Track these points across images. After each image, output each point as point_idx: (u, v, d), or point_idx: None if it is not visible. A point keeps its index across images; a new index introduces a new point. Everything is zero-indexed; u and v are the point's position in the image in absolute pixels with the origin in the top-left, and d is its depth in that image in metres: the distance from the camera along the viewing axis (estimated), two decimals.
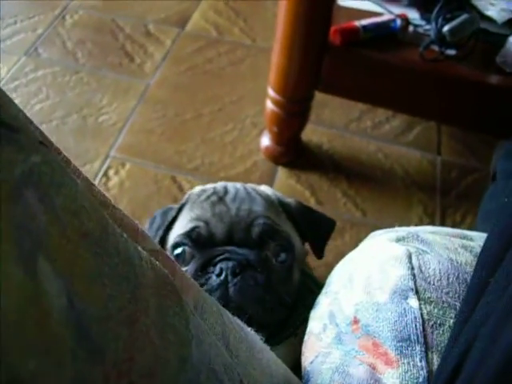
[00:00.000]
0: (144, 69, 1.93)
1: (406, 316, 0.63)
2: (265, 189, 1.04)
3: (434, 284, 0.66)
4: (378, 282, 0.69)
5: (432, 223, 1.57)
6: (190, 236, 0.91)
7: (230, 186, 1.01)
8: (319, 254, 1.01)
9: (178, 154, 1.69)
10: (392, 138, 1.78)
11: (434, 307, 0.64)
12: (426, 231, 0.77)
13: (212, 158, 1.69)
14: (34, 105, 1.77)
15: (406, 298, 0.65)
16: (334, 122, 1.82)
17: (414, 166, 1.71)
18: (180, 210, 1.00)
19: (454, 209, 1.61)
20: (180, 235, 0.93)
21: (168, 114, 1.80)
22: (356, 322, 0.68)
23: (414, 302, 0.64)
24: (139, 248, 0.42)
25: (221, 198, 0.95)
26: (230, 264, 0.85)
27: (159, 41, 2.03)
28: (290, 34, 1.34)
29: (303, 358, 0.75)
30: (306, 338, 0.78)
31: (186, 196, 1.02)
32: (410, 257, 0.69)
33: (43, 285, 0.30)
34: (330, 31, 1.36)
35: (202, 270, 0.88)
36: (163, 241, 0.99)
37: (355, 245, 1.51)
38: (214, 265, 0.87)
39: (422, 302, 0.64)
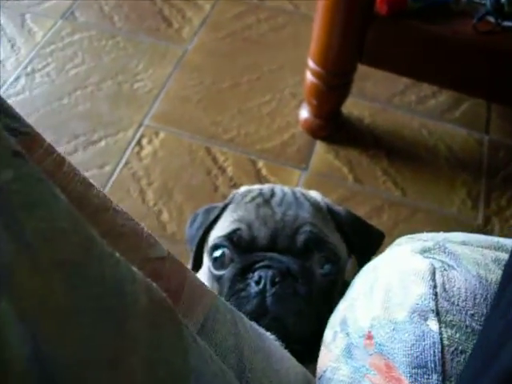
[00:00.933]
0: (182, 34, 1.89)
1: (424, 340, 0.58)
2: (315, 195, 0.98)
3: (457, 305, 0.60)
4: (397, 298, 0.63)
5: (475, 207, 1.51)
6: (231, 238, 0.87)
7: (278, 188, 0.96)
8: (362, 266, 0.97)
9: (213, 124, 1.66)
10: (437, 113, 1.71)
11: (455, 331, 0.58)
12: (456, 241, 0.70)
13: (248, 129, 1.66)
14: (69, 70, 1.75)
15: (426, 319, 0.60)
16: (376, 96, 1.75)
17: (459, 145, 1.64)
18: (223, 209, 0.95)
19: (499, 192, 1.54)
20: (220, 237, 0.89)
21: (205, 81, 1.76)
22: (370, 337, 0.63)
23: (433, 324, 0.59)
24: (134, 269, 0.37)
25: (267, 200, 0.91)
26: (270, 273, 0.81)
27: (198, 5, 1.98)
28: (333, 2, 1.28)
29: (317, 370, 0.72)
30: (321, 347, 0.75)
31: (231, 195, 0.99)
32: (433, 273, 0.63)
33: (2, 333, 0.26)
34: (376, 0, 1.29)
35: (241, 276, 0.84)
36: (203, 241, 0.96)
37: (393, 225, 1.49)
38: (254, 271, 0.83)
39: (443, 325, 0.59)
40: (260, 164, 1.58)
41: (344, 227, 0.93)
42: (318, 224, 0.88)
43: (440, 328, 0.58)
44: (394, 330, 0.61)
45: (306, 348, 0.90)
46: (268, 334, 0.67)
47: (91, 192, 0.43)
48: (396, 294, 0.63)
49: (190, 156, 1.59)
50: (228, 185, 1.54)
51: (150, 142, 1.61)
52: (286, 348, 0.86)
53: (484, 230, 1.47)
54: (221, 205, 0.97)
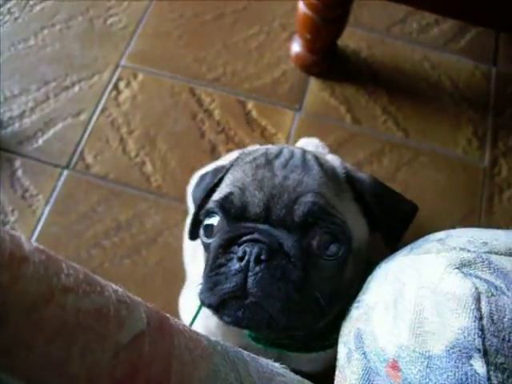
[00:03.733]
0: None
1: None
2: (332, 159, 0.85)
3: (510, 341, 0.50)
4: (432, 326, 0.54)
5: (482, 147, 1.45)
6: (222, 204, 0.78)
7: (287, 149, 0.84)
8: (392, 246, 0.82)
9: (197, 62, 1.56)
10: (441, 44, 1.62)
11: (508, 376, 0.49)
12: (502, 250, 0.59)
13: (235, 66, 1.57)
14: (34, 5, 1.62)
15: (470, 358, 0.50)
16: (374, 25, 1.65)
17: (464, 79, 1.56)
18: (228, 170, 0.86)
19: (507, 130, 1.48)
20: (212, 202, 0.80)
21: (186, 13, 1.65)
22: (395, 367, 0.55)
23: (479, 366, 0.49)
24: None
25: (269, 161, 0.80)
26: (256, 248, 0.71)
27: None
28: None
29: None
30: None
31: (238, 154, 0.89)
32: (478, 299, 0.52)
33: None
34: None
35: (225, 248, 0.75)
36: (205, 205, 0.86)
37: (395, 170, 1.43)
38: (240, 244, 0.73)
39: (492, 368, 0.49)
40: (250, 105, 1.50)
41: (366, 197, 0.81)
42: (327, 194, 0.76)
43: (488, 372, 0.49)
44: (427, 366, 0.52)
45: (303, 341, 0.84)
46: (277, 366, 0.61)
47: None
48: (430, 320, 0.54)
49: (172, 99, 1.50)
50: (215, 130, 1.46)
51: (127, 84, 1.51)
52: (276, 335, 0.80)
53: (491, 172, 1.42)
54: (227, 165, 0.88)
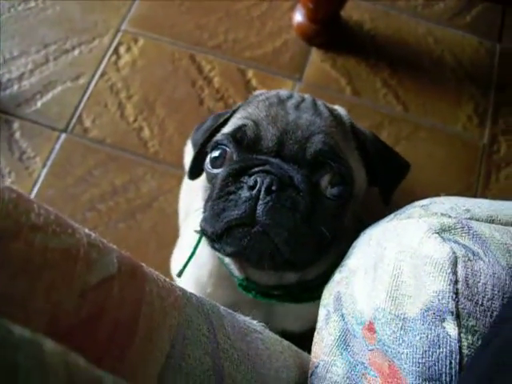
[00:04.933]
0: None
1: (440, 347, 0.50)
2: (339, 108, 0.90)
3: (482, 305, 0.50)
4: (408, 289, 0.55)
5: (482, 124, 1.46)
6: (234, 135, 0.80)
7: (298, 94, 0.88)
8: (387, 200, 0.89)
9: (198, 29, 1.57)
10: (446, 19, 1.62)
11: (478, 338, 0.49)
12: (483, 217, 0.60)
13: (237, 34, 1.57)
14: None
15: (443, 320, 0.51)
16: None
17: (468, 55, 1.56)
18: (234, 112, 0.89)
19: (509, 108, 1.48)
20: (223, 134, 0.82)
21: None
22: (371, 329, 0.56)
23: (452, 328, 0.50)
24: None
25: (282, 101, 0.84)
26: (268, 179, 0.74)
27: None
28: None
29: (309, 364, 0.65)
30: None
31: (247, 99, 0.92)
32: (454, 263, 0.53)
33: None
34: None
35: (236, 177, 0.77)
36: (206, 146, 0.89)
37: (394, 143, 1.44)
38: (251, 175, 0.76)
39: (464, 331, 0.50)
40: (250, 74, 1.51)
41: (368, 148, 0.86)
42: (336, 137, 0.80)
43: (459, 334, 0.50)
44: (402, 328, 0.53)
45: (292, 292, 0.87)
46: (255, 324, 0.63)
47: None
48: (407, 283, 0.55)
49: (172, 65, 1.51)
50: (214, 97, 1.47)
51: (128, 49, 1.52)
52: (276, 269, 0.81)
53: (489, 150, 1.44)
54: (234, 107, 0.91)
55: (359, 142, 0.85)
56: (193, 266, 0.89)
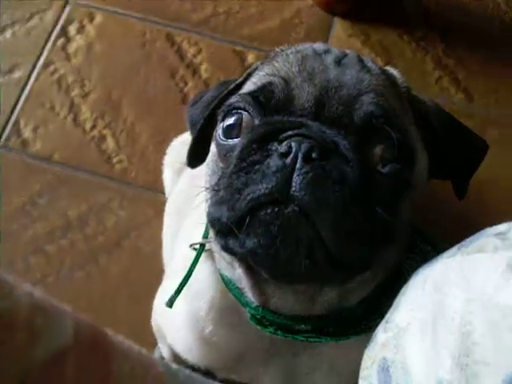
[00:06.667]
0: None
1: None
2: (391, 69, 0.90)
3: None
4: (483, 353, 0.55)
5: None
6: (256, 96, 0.79)
7: (337, 49, 0.89)
8: (461, 192, 0.89)
9: None
10: None
11: None
12: None
13: (230, 3, 1.60)
14: None
15: None
16: None
17: None
18: (250, 74, 0.89)
19: None
20: (239, 95, 0.82)
21: None
22: None
23: None
24: None
25: (319, 54, 0.84)
26: (306, 143, 0.74)
27: None
28: None
29: None
30: None
31: (270, 53, 0.91)
32: None
33: None
34: None
35: (261, 144, 0.77)
36: (211, 122, 0.88)
37: None
38: (280, 141, 0.75)
39: None
40: (250, 57, 1.53)
41: (433, 122, 0.85)
42: (390, 99, 0.81)
43: None
44: None
45: (326, 323, 0.85)
46: None
47: None
48: (481, 345, 0.55)
49: (143, 49, 1.53)
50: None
51: (81, 29, 1.54)
52: (314, 274, 0.78)
53: None
54: (249, 68, 0.90)
55: (419, 114, 0.85)
56: (186, 296, 0.90)
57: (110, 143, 1.43)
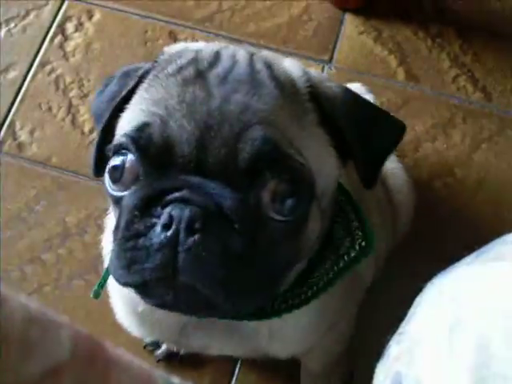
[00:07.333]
0: None
1: None
2: (290, 65, 0.87)
3: None
4: (502, 366, 0.55)
5: None
6: (137, 139, 0.77)
7: (227, 51, 0.85)
8: (368, 182, 0.88)
9: None
10: None
11: None
12: None
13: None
14: None
15: None
16: None
17: None
18: (142, 78, 0.85)
19: None
20: (124, 135, 0.80)
21: None
22: None
23: None
24: None
25: (201, 72, 0.81)
26: (188, 212, 0.74)
27: None
28: None
29: None
30: None
31: (156, 58, 0.87)
32: None
33: None
34: None
35: (144, 210, 0.76)
36: (114, 121, 0.87)
37: (471, 148, 1.44)
38: (163, 205, 0.75)
39: None
40: None
41: (339, 120, 0.84)
42: (283, 124, 0.79)
43: None
44: None
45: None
46: None
47: None
48: (500, 358, 0.55)
49: (144, 48, 1.53)
50: None
51: (79, 27, 1.54)
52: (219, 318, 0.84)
53: None
54: (143, 67, 0.87)
55: (323, 112, 0.83)
56: None
57: None
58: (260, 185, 0.76)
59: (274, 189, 0.76)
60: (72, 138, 1.43)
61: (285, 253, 0.79)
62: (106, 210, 1.35)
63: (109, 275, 0.89)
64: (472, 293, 0.62)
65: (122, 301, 0.99)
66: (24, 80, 1.48)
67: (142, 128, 0.77)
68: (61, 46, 1.52)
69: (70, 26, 1.54)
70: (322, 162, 0.82)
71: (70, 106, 1.46)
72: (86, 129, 1.44)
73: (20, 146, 1.42)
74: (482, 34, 1.55)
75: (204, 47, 0.87)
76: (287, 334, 0.96)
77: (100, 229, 1.33)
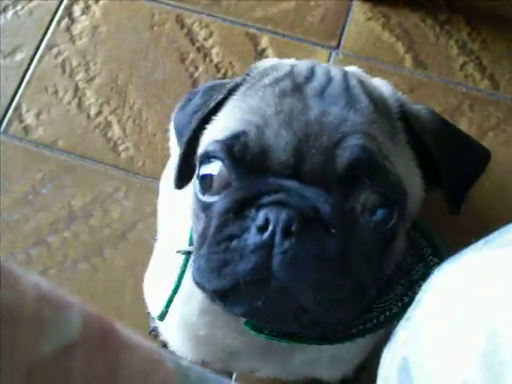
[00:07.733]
0: None
1: None
2: (381, 85, 0.88)
3: None
4: (511, 353, 0.54)
5: None
6: (230, 148, 0.78)
7: (321, 68, 0.86)
8: (455, 208, 0.88)
9: None
10: None
11: None
12: None
13: None
14: None
15: None
16: None
17: None
18: (232, 91, 0.86)
19: None
20: (215, 142, 0.80)
21: None
22: None
23: None
24: None
25: (298, 85, 0.82)
26: (284, 215, 0.73)
27: None
28: None
29: None
30: None
31: (248, 71, 0.89)
32: None
33: None
34: None
35: (238, 212, 0.77)
36: (198, 135, 0.88)
37: (478, 135, 1.43)
38: (258, 208, 0.75)
39: None
40: (263, 41, 1.52)
41: (426, 140, 0.84)
42: (379, 137, 0.79)
43: None
44: None
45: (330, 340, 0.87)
46: None
47: None
48: (508, 345, 0.54)
49: (151, 31, 1.53)
50: (213, 76, 1.49)
51: (86, 10, 1.54)
52: (303, 332, 0.83)
53: None
54: (230, 83, 0.88)
55: (412, 133, 0.84)
56: (177, 300, 0.90)
57: (116, 130, 1.43)
58: (356, 192, 0.77)
59: (367, 199, 0.77)
60: (78, 122, 1.43)
61: (372, 267, 0.79)
62: (111, 194, 1.37)
63: (175, 295, 0.89)
64: (480, 279, 0.61)
65: (181, 326, 0.97)
66: (30, 63, 1.48)
67: (238, 136, 0.78)
68: (67, 29, 1.51)
69: (76, 9, 1.53)
70: (411, 181, 0.82)
71: (77, 89, 1.46)
72: (92, 112, 1.44)
73: (26, 129, 1.42)
74: (490, 21, 1.54)
75: (296, 62, 0.88)
76: (346, 358, 0.96)
77: (105, 212, 1.35)
